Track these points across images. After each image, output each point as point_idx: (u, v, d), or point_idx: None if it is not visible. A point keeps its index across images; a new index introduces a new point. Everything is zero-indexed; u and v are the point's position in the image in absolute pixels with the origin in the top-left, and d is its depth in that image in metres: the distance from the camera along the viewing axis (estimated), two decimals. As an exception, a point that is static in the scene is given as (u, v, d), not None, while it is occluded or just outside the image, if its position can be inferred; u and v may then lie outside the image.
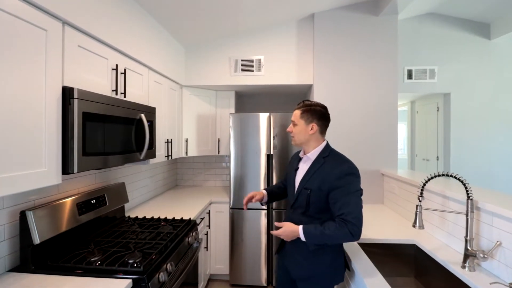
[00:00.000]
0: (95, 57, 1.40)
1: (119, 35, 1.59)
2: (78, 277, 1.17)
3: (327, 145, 1.33)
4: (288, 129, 1.36)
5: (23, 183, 1.00)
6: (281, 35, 2.60)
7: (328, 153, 1.29)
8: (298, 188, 1.32)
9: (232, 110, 2.95)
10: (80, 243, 1.49)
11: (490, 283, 1.11)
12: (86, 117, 1.24)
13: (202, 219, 2.29)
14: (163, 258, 1.38)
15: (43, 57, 1.08)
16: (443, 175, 1.32)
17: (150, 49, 2.01)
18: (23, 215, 1.23)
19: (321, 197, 1.23)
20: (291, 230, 1.23)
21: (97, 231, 1.65)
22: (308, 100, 1.35)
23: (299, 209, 1.31)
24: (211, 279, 2.73)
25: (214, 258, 2.62)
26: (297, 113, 1.32)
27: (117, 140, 1.47)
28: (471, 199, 1.27)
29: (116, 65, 1.54)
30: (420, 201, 1.38)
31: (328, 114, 1.34)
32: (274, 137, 2.52)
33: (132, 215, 2.05)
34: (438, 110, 3.60)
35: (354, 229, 1.11)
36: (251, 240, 2.54)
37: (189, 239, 1.74)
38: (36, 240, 1.22)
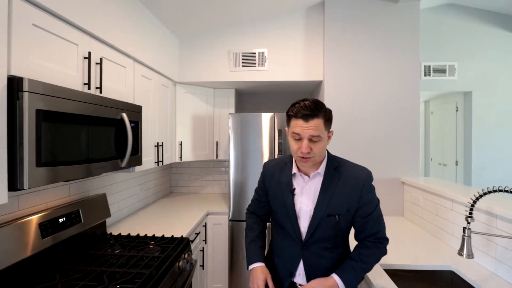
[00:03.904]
0: (60, 41, 1.12)
1: (93, 17, 1.31)
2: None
3: (329, 153, 1.09)
4: (305, 149, 0.92)
5: None
6: (287, 25, 2.32)
7: (338, 163, 1.06)
8: (314, 217, 1.00)
9: (232, 110, 2.67)
10: (43, 273, 1.20)
11: None
12: (42, 116, 0.95)
13: (197, 234, 2.00)
14: (144, 294, 1.10)
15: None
16: (500, 190, 1.03)
17: (137, 38, 1.73)
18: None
19: (350, 221, 1.04)
20: (327, 285, 0.93)
21: (68, 256, 1.36)
22: (310, 100, 0.95)
23: (321, 243, 1.03)
24: (208, 299, 2.44)
25: (211, 276, 2.33)
26: (319, 123, 0.92)
27: (89, 145, 1.19)
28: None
29: (89, 53, 1.26)
30: (469, 223, 1.09)
31: None
32: (280, 143, 2.24)
33: (117, 231, 1.76)
34: (457, 111, 3.30)
35: (386, 244, 1.03)
36: (253, 256, 2.26)
37: (180, 263, 1.45)
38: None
